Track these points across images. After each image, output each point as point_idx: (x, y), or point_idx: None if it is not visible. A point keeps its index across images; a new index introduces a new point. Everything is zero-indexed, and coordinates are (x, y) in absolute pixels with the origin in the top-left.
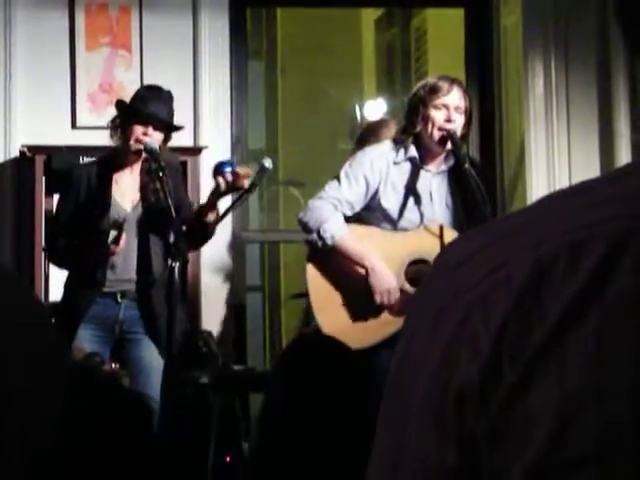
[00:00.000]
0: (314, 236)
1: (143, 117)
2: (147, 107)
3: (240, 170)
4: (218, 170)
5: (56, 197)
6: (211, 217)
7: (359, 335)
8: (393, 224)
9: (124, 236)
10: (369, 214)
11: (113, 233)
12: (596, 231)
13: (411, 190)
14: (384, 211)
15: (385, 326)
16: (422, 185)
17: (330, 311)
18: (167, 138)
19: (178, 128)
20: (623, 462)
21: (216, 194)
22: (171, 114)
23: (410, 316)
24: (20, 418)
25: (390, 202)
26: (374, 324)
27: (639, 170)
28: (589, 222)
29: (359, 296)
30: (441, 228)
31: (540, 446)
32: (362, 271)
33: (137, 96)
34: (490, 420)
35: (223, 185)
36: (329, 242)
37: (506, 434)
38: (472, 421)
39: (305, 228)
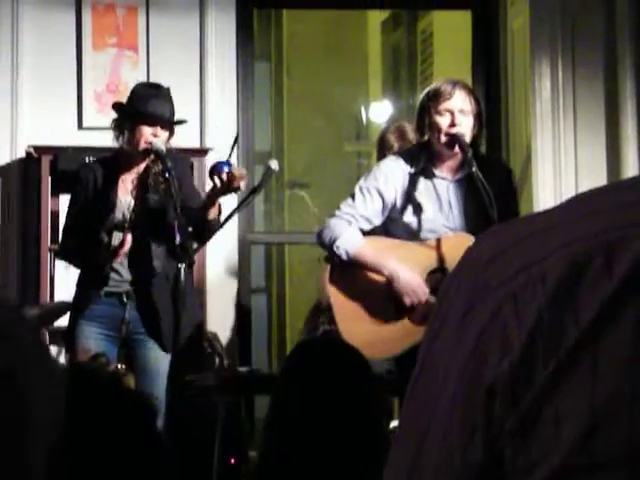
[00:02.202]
0: (330, 253)
1: (150, 118)
2: (153, 107)
3: (235, 171)
4: (214, 170)
5: (62, 197)
6: (212, 215)
7: (383, 346)
8: (415, 236)
9: (129, 239)
10: (393, 226)
11: (117, 235)
12: (631, 232)
13: (429, 201)
14: (405, 223)
15: (410, 336)
16: (440, 194)
17: (353, 323)
18: (172, 134)
19: (182, 122)
20: None
21: (213, 194)
22: (174, 111)
23: (437, 312)
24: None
25: (409, 215)
26: (398, 335)
27: None
28: (624, 223)
29: (382, 307)
30: (460, 237)
31: (569, 447)
32: (383, 280)
33: (137, 96)
34: (519, 418)
35: (219, 185)
36: (344, 258)
37: (534, 433)
38: (500, 418)
39: (322, 246)
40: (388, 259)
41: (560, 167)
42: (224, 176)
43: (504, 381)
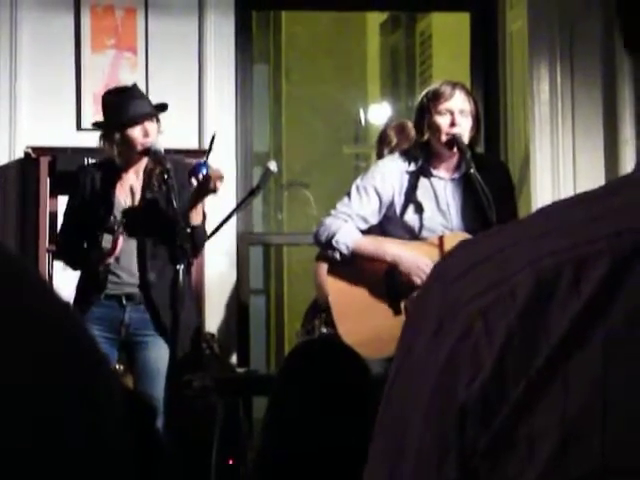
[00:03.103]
0: (329, 251)
1: (138, 119)
2: (134, 109)
3: (212, 172)
4: (192, 171)
5: (61, 198)
6: (194, 219)
7: (381, 345)
8: (413, 234)
9: (120, 240)
10: (390, 226)
11: (107, 237)
12: (600, 246)
13: (427, 200)
14: (403, 222)
15: None
16: (438, 194)
17: (351, 323)
18: (158, 122)
19: (164, 107)
20: None
21: (192, 196)
22: (150, 102)
23: (406, 330)
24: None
25: (407, 213)
26: (396, 334)
27: (638, 181)
28: (593, 237)
29: (380, 307)
30: (459, 236)
31: (542, 465)
32: (382, 278)
33: (113, 105)
34: (492, 437)
35: (195, 186)
36: (345, 252)
37: (507, 452)
38: (473, 438)
39: (319, 245)
40: (389, 245)
41: (558, 170)
42: (200, 177)
43: (476, 401)
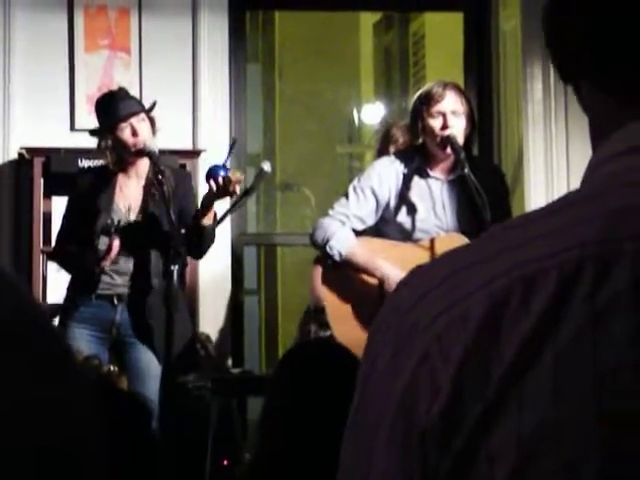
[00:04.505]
0: (323, 253)
1: (125, 117)
2: (121, 109)
3: (232, 176)
4: (211, 173)
5: (54, 199)
6: (206, 221)
7: None
8: (408, 235)
9: (117, 243)
10: (386, 226)
11: (104, 239)
12: (547, 264)
13: (423, 200)
14: (398, 223)
15: None
16: (434, 194)
17: (346, 322)
18: (152, 123)
19: (153, 106)
20: None
21: (208, 198)
22: (140, 102)
23: (365, 359)
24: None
25: (401, 214)
26: None
27: (583, 198)
28: (539, 255)
29: (375, 307)
30: (452, 237)
31: None
32: (376, 281)
33: (103, 111)
34: (453, 459)
35: (214, 189)
36: (337, 258)
37: (469, 473)
38: (435, 460)
39: (314, 245)
40: (380, 261)
41: (552, 169)
42: (220, 180)
43: (435, 426)
